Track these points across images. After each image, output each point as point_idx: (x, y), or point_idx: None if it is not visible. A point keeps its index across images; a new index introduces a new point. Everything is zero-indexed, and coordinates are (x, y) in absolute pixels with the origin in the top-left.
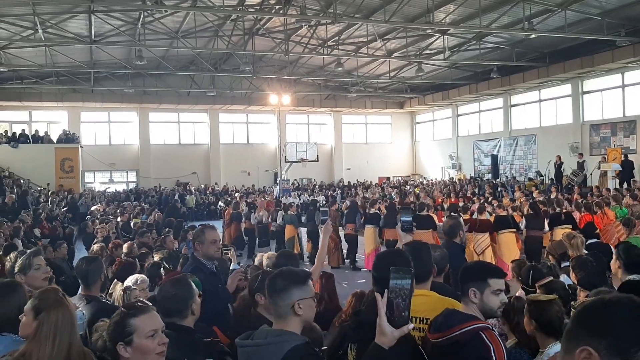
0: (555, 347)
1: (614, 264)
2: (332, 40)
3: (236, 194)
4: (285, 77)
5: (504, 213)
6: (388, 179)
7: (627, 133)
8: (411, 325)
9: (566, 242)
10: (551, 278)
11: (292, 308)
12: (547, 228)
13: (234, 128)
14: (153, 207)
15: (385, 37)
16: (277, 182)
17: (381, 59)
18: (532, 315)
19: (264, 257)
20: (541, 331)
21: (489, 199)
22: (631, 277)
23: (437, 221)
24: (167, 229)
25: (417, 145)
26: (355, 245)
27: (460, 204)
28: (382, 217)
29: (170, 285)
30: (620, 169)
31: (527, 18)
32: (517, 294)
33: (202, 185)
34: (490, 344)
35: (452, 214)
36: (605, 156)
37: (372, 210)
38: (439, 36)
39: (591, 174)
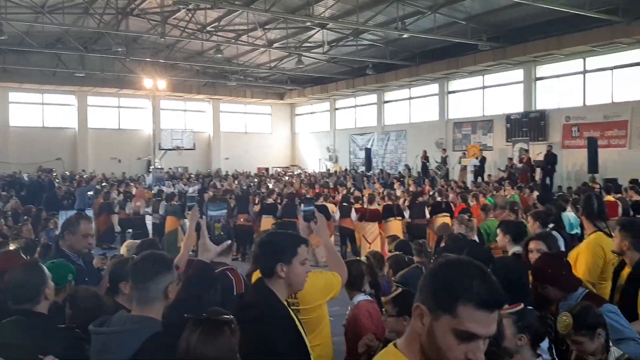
0: (359, 297)
1: (502, 239)
2: (212, 25)
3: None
4: (161, 61)
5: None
6: (267, 169)
7: (485, 131)
8: (229, 242)
9: (465, 223)
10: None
11: (163, 292)
12: (428, 216)
13: (104, 112)
14: (10, 195)
15: (266, 27)
16: (150, 170)
17: (262, 49)
18: None
19: (124, 247)
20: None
21: (351, 190)
22: (515, 249)
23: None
24: (25, 217)
25: (297, 136)
26: (251, 236)
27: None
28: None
29: (20, 272)
30: (479, 164)
31: (400, 18)
32: None
33: (67, 172)
34: (232, 278)
35: (344, 204)
36: (466, 152)
37: (269, 201)
38: (319, 30)
39: (453, 168)
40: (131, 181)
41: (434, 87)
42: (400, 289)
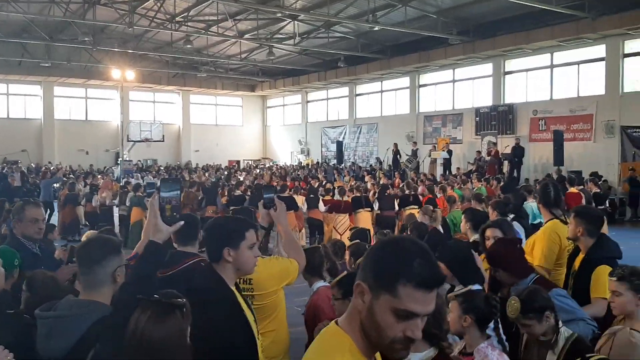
0: (318, 284)
1: (464, 226)
2: (181, 16)
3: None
4: (130, 51)
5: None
6: (238, 162)
7: (455, 125)
8: (181, 222)
9: (429, 214)
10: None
11: (111, 276)
12: (397, 208)
13: (71, 103)
14: None
15: (237, 18)
16: (119, 162)
17: (232, 40)
18: None
19: (84, 237)
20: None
21: (324, 182)
22: (475, 236)
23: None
24: None
25: (268, 129)
26: None
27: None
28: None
29: None
30: (448, 157)
31: (371, 11)
32: None
33: (33, 164)
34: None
35: (311, 195)
36: (436, 145)
37: (237, 192)
38: (290, 21)
39: (423, 161)
40: (99, 173)
41: (405, 81)
42: (345, 272)
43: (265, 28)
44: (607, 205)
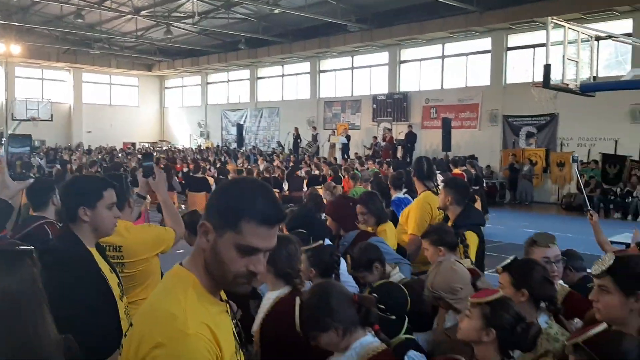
0: None
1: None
2: None
3: None
4: (15, 24)
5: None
6: (134, 144)
7: (353, 111)
8: (31, 180)
9: (330, 189)
10: None
11: None
12: (306, 188)
13: None
14: None
15: None
16: (2, 142)
17: (128, 16)
18: None
19: None
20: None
21: (217, 165)
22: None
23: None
24: None
25: (166, 110)
26: None
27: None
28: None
29: None
30: (346, 142)
31: None
32: None
33: None
34: (49, 231)
35: (221, 176)
36: (335, 130)
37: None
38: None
39: (323, 146)
40: None
41: (306, 66)
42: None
43: (162, 5)
44: (484, 185)
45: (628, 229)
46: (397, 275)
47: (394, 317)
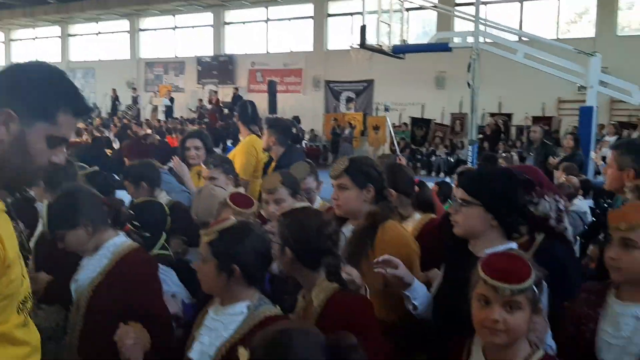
0: None
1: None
2: None
3: None
4: None
5: None
6: None
7: (177, 72)
8: None
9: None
10: None
11: None
12: None
13: None
14: None
15: None
16: None
17: None
18: None
19: None
20: None
21: None
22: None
23: None
24: None
25: None
26: None
27: None
28: None
29: None
30: (170, 104)
31: None
32: None
33: None
34: None
35: None
36: (157, 92)
37: None
38: None
39: (144, 109)
40: None
41: (124, 24)
42: None
43: None
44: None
45: (431, 184)
46: (165, 198)
47: (147, 234)
